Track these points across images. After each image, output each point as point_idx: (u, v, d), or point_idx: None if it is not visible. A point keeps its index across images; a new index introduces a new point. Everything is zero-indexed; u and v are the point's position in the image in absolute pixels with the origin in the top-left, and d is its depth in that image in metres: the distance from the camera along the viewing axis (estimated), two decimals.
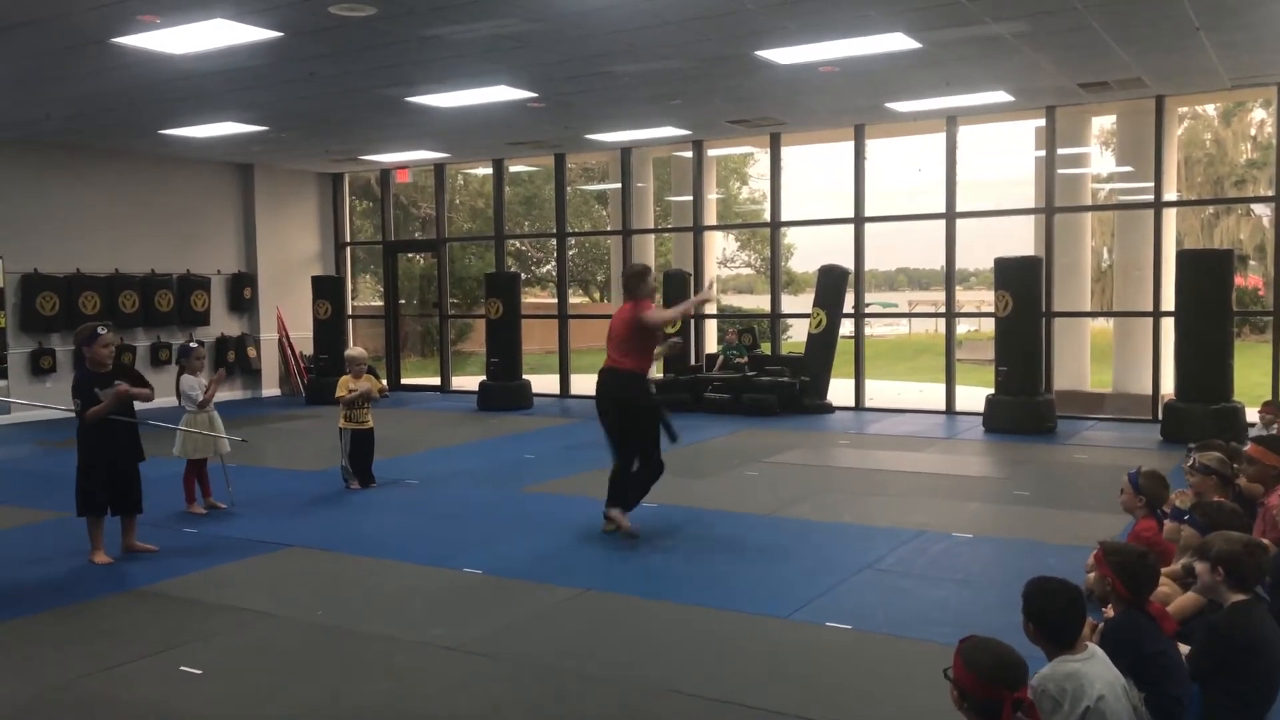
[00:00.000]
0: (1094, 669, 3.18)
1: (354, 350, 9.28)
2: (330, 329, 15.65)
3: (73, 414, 6.36)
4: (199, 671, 4.53)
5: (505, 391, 14.32)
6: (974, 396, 12.82)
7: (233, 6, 7.49)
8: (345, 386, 8.66)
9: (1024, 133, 14.41)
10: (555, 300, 16.81)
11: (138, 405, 6.47)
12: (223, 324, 15.88)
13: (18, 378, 13.36)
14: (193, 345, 8.05)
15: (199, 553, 6.62)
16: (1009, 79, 10.53)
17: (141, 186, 14.83)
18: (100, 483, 6.34)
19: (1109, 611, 4.07)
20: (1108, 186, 17.77)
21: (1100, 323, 17.58)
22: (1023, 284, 11.49)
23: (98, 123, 12.13)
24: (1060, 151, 12.59)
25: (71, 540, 6.68)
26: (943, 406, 13.13)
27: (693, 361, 14.50)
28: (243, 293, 16.11)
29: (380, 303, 19.04)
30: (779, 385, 13.07)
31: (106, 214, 14.42)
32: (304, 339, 16.48)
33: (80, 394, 6.27)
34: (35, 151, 13.58)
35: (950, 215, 12.95)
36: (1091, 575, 4.91)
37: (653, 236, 17.25)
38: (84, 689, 4.37)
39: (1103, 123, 17.61)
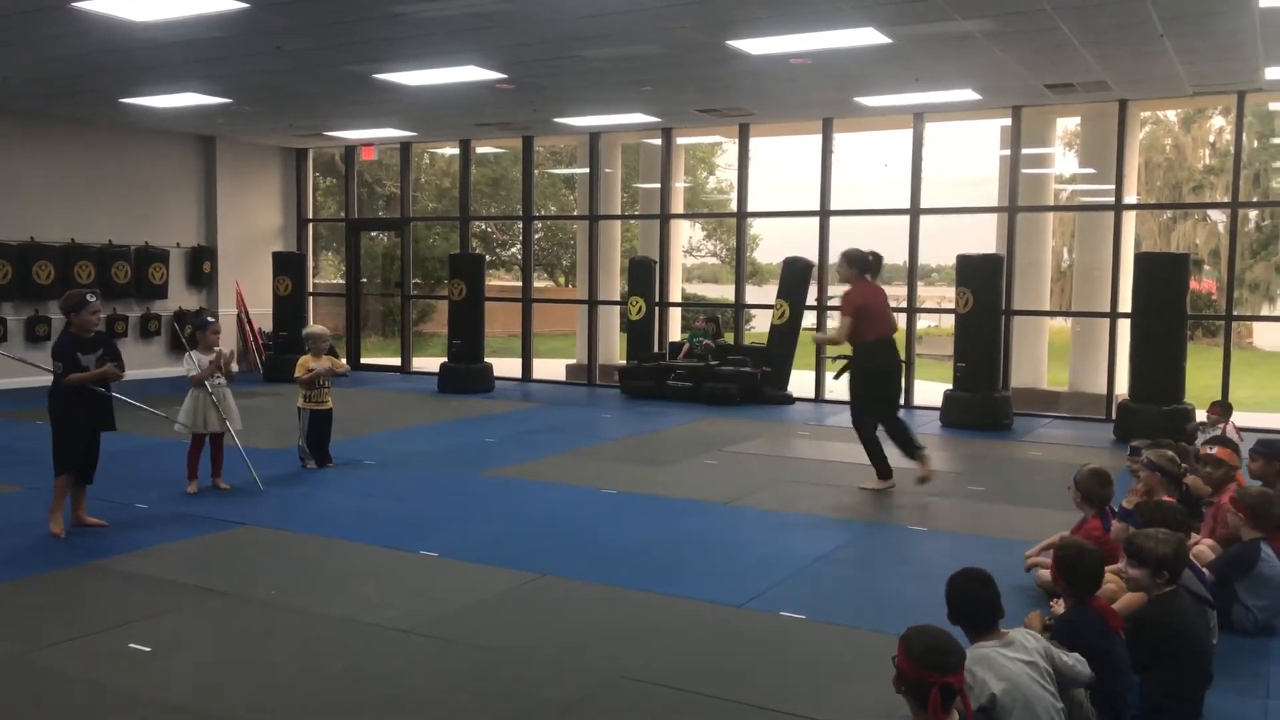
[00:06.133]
0: (1008, 654, 3.28)
1: (315, 328, 8.96)
2: (290, 306, 15.48)
3: (48, 377, 6.39)
4: (148, 649, 4.48)
5: (466, 374, 14.25)
6: (932, 391, 12.94)
7: None
8: (304, 366, 8.54)
9: (989, 132, 14.55)
10: (519, 284, 16.73)
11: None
12: (181, 298, 15.63)
13: None
14: (210, 319, 7.82)
15: (151, 528, 6.54)
16: (977, 77, 10.62)
17: (101, 156, 14.55)
18: (80, 442, 6.33)
19: (1057, 606, 4.16)
20: (1070, 188, 17.97)
21: (1058, 322, 17.79)
22: (984, 282, 11.61)
23: (57, 89, 11.86)
24: (1024, 151, 12.71)
25: (22, 514, 6.58)
26: (901, 401, 13.22)
27: (656, 349, 14.50)
28: (202, 267, 15.88)
29: (342, 281, 18.84)
30: (741, 375, 13.12)
31: (64, 183, 14.14)
32: (263, 315, 16.27)
33: (63, 357, 6.26)
34: None
35: (914, 211, 13.05)
36: (1045, 572, 5.02)
37: (619, 223, 17.23)
38: (28, 664, 4.30)
39: (1067, 124, 17.79)
